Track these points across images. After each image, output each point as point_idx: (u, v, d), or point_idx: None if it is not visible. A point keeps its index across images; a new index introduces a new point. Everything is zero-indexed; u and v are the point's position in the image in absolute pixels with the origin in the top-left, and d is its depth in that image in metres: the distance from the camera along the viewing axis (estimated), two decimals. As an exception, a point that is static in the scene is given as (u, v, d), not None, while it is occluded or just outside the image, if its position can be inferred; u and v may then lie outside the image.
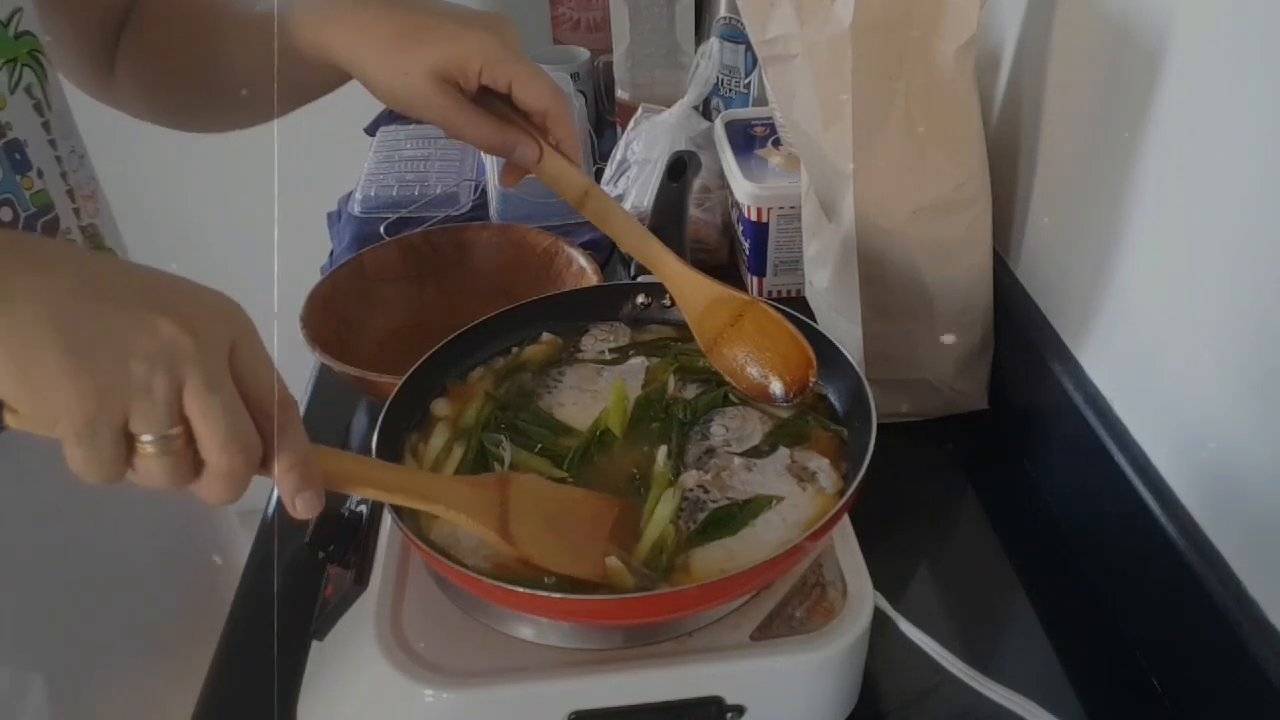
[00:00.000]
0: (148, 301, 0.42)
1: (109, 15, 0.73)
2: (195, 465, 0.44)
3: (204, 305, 0.44)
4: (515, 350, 0.73)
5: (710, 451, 0.64)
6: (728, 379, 0.68)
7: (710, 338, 0.69)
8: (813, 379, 0.66)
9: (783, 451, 0.64)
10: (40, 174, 0.62)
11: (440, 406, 0.68)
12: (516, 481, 0.58)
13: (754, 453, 0.64)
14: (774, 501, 0.60)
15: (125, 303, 0.42)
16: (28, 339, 0.40)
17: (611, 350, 0.73)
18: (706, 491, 0.61)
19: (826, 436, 0.65)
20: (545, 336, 0.74)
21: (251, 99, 0.72)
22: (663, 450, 0.64)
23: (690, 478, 0.61)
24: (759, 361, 0.68)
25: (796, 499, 0.61)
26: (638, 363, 0.72)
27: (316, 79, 0.69)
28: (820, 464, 0.63)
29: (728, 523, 0.59)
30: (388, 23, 0.63)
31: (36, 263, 0.42)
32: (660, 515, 0.59)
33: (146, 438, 0.42)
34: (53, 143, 0.64)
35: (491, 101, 0.65)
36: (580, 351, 0.73)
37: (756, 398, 0.68)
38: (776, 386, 0.67)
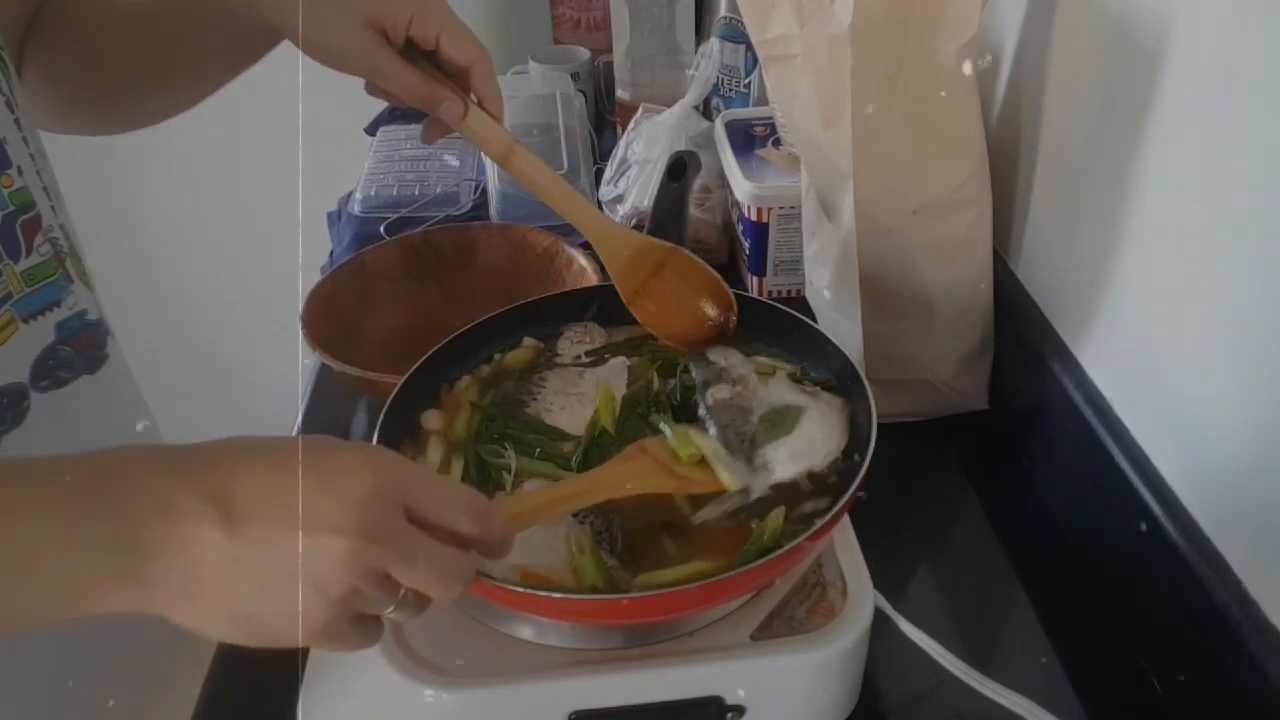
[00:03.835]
0: (312, 522, 0.43)
1: (19, 14, 0.70)
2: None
3: (359, 487, 0.44)
4: (498, 356, 0.73)
5: (724, 370, 0.65)
6: (649, 329, 0.70)
7: (632, 288, 0.70)
8: (733, 319, 0.68)
9: (781, 373, 0.67)
10: (20, 171, 0.60)
11: (430, 419, 0.68)
12: (651, 444, 0.61)
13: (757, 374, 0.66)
14: (805, 410, 0.63)
15: (296, 530, 0.43)
16: (228, 624, 0.45)
17: (588, 353, 0.73)
18: (746, 401, 0.62)
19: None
20: (526, 341, 0.74)
21: (184, 76, 0.71)
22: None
23: (721, 390, 0.63)
24: (680, 305, 0.69)
25: (817, 407, 0.63)
26: (618, 363, 0.72)
27: (246, 42, 0.70)
28: (814, 390, 0.66)
29: (780, 423, 0.61)
30: None
31: (191, 545, 0.43)
32: (704, 442, 0.60)
33: (385, 611, 0.47)
34: (25, 140, 0.61)
35: (416, 59, 0.66)
36: (558, 355, 0.73)
37: (679, 345, 0.69)
38: (698, 329, 0.68)
